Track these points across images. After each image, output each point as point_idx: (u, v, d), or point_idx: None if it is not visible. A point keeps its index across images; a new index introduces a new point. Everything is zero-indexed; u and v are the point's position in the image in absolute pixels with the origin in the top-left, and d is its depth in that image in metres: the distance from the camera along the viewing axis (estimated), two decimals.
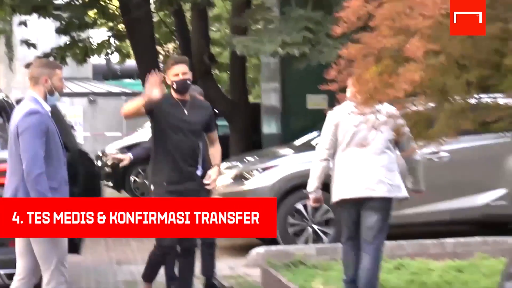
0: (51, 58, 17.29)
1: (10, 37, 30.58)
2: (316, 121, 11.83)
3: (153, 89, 7.37)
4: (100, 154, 19.63)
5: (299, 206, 11.20)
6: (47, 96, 6.61)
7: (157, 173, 7.78)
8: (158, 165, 7.75)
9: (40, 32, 23.03)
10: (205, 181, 7.79)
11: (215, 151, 7.98)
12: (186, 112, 7.69)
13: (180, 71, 7.65)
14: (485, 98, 6.04)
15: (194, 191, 7.65)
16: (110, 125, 32.28)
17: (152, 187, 7.85)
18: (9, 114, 7.75)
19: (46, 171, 6.42)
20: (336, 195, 7.53)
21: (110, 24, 18.45)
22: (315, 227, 11.22)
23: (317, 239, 11.13)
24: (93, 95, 33.77)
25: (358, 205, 7.43)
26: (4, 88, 36.47)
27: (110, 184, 19.19)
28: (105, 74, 40.32)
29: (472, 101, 5.95)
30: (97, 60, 29.36)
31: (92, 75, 38.58)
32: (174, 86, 7.67)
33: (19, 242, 6.75)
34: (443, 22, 4.93)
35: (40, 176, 6.37)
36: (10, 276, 7.38)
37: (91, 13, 17.74)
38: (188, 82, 7.71)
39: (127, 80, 37.00)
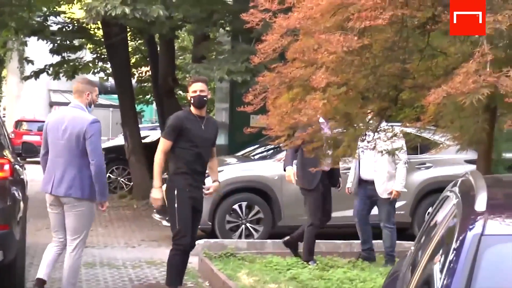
0: (45, 74, 16.91)
1: (22, 54, 30.05)
2: (256, 137, 11.35)
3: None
4: None
5: (236, 206, 10.63)
6: (87, 107, 6.64)
7: (180, 180, 6.95)
8: (180, 173, 6.95)
9: (41, 51, 22.38)
10: (206, 192, 7.13)
11: (213, 165, 7.23)
12: (203, 127, 6.99)
13: (198, 88, 6.98)
14: (384, 126, 5.68)
15: (202, 197, 7.08)
16: None
17: (175, 191, 6.93)
18: None
19: None
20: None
21: (96, 48, 17.94)
22: (248, 225, 10.66)
23: (249, 234, 10.57)
24: None
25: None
26: (16, 95, 36.15)
27: None
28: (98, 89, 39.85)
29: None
30: (92, 77, 28.88)
31: None
32: (192, 101, 7.00)
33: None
34: (346, 58, 4.38)
35: (104, 170, 6.49)
36: None
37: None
38: (204, 98, 7.03)
39: (115, 95, 36.45)
